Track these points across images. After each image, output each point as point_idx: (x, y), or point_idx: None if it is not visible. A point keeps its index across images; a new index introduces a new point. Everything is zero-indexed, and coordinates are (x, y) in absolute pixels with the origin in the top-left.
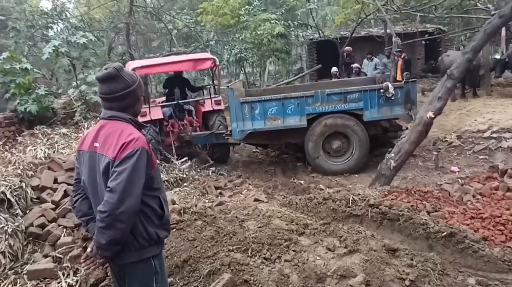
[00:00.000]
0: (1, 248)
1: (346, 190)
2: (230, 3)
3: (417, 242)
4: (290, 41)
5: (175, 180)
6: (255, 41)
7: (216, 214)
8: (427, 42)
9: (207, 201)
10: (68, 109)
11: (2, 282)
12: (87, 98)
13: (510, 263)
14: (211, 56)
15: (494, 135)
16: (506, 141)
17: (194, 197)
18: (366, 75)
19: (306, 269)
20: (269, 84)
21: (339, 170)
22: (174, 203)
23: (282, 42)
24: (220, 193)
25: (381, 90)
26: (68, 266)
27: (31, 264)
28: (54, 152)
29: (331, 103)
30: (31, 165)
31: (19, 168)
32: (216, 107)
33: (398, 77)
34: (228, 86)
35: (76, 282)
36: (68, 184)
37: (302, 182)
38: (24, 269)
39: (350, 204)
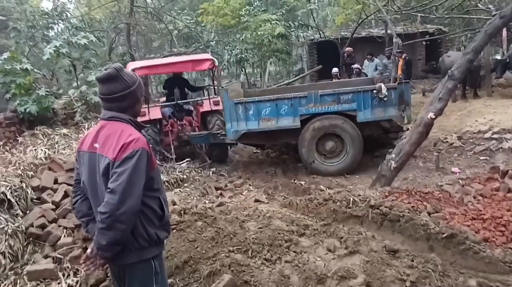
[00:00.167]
0: (1, 249)
1: (347, 190)
2: (231, 3)
3: (417, 243)
4: (290, 41)
5: (175, 180)
6: (256, 41)
7: (216, 215)
8: (428, 42)
9: (207, 201)
10: (69, 110)
11: (2, 282)
12: (87, 98)
13: (511, 265)
14: (210, 57)
15: (495, 136)
16: (507, 142)
17: (195, 198)
18: (366, 76)
19: (307, 270)
20: (270, 85)
21: (337, 170)
22: (174, 203)
23: (283, 42)
24: (221, 194)
25: (374, 91)
26: (68, 267)
27: (31, 264)
28: (54, 152)
29: (324, 104)
30: (32, 165)
31: (19, 168)
32: (214, 108)
33: None
34: (222, 87)
35: (76, 282)
36: (69, 185)
37: (302, 182)
38: (24, 270)
39: (351, 205)
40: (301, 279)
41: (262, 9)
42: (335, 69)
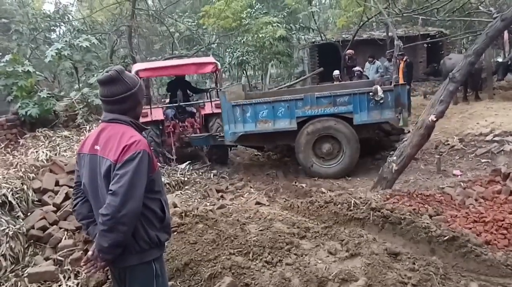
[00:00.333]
0: (2, 251)
1: (348, 193)
2: (232, 6)
3: (419, 246)
4: (292, 44)
5: (176, 183)
6: (257, 44)
7: (217, 217)
8: (429, 45)
9: (208, 204)
10: (70, 112)
11: (3, 284)
12: (89, 101)
13: None
14: (214, 60)
15: (496, 138)
16: (509, 144)
17: (196, 200)
18: (368, 78)
19: (308, 273)
20: (271, 87)
21: (336, 172)
22: (175, 206)
23: (284, 45)
24: (222, 196)
25: (371, 94)
26: (69, 269)
27: (32, 266)
28: (55, 154)
29: (321, 106)
30: (33, 167)
31: (20, 170)
32: (215, 110)
33: (400, 81)
34: (220, 89)
35: (77, 285)
36: (70, 187)
37: (303, 185)
38: (25, 272)
39: (352, 208)
40: (302, 282)
41: (264, 11)
42: (336, 72)
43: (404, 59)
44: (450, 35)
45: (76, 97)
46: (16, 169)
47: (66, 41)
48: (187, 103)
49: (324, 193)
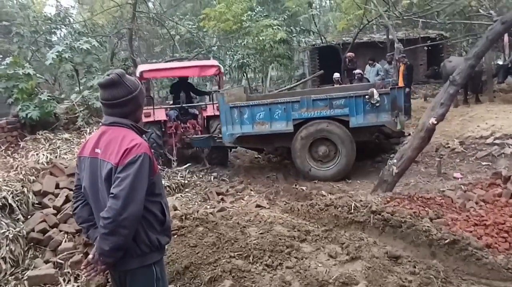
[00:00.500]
0: (2, 254)
1: (348, 196)
2: (233, 9)
3: (419, 249)
4: (292, 47)
5: (176, 185)
6: (258, 47)
7: (217, 220)
8: (429, 48)
9: (208, 207)
10: (71, 115)
11: None
12: (89, 103)
13: None
14: (216, 63)
15: (497, 141)
16: (509, 147)
17: (196, 203)
18: (368, 81)
19: (308, 276)
20: (271, 89)
21: (334, 174)
22: (175, 208)
23: (284, 48)
24: (222, 199)
25: (366, 97)
26: (69, 272)
27: (32, 269)
28: (56, 157)
29: (317, 109)
30: (33, 170)
31: (21, 173)
32: (217, 113)
33: (400, 83)
34: (218, 91)
35: None
36: (70, 190)
37: (304, 188)
38: (25, 275)
39: (352, 211)
40: (302, 285)
41: (264, 14)
42: (336, 75)
43: (404, 62)
44: (450, 38)
45: (76, 100)
46: (16, 172)
47: (66, 43)
48: (189, 105)
49: (325, 196)
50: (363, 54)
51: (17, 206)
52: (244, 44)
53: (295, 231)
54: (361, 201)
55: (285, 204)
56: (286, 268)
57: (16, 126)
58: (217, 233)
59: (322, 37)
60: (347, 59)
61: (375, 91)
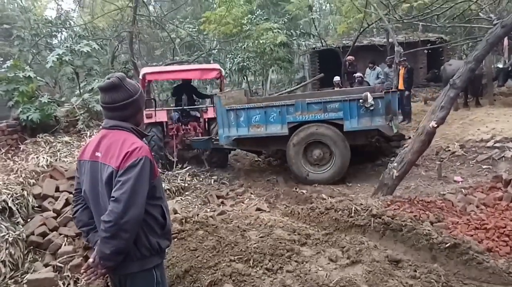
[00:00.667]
0: (2, 257)
1: (349, 199)
2: (233, 12)
3: (420, 253)
4: (292, 50)
5: (176, 188)
6: (258, 50)
7: (217, 224)
8: (429, 51)
9: (208, 210)
10: (71, 118)
11: None
12: (90, 106)
13: None
14: (218, 67)
15: (497, 145)
16: (510, 151)
17: (196, 206)
18: (369, 84)
19: (308, 280)
20: (272, 93)
21: (331, 175)
22: (175, 212)
23: (285, 51)
24: (222, 202)
25: (360, 101)
26: (68, 276)
27: (32, 273)
28: (56, 160)
29: (311, 112)
30: (33, 173)
31: (21, 176)
32: None
33: (400, 87)
34: (215, 94)
35: None
36: (70, 193)
37: (304, 191)
38: (25, 278)
39: (353, 214)
40: None
41: (264, 18)
42: (337, 78)
43: (405, 66)
44: (450, 41)
45: (77, 103)
46: (16, 175)
47: (67, 46)
48: (191, 107)
49: (325, 199)
50: (363, 58)
51: (17, 209)
52: (244, 47)
53: (295, 235)
54: (361, 204)
55: (285, 208)
56: (286, 272)
57: (16, 129)
58: (217, 237)
59: (322, 41)
60: (347, 63)
61: (369, 95)
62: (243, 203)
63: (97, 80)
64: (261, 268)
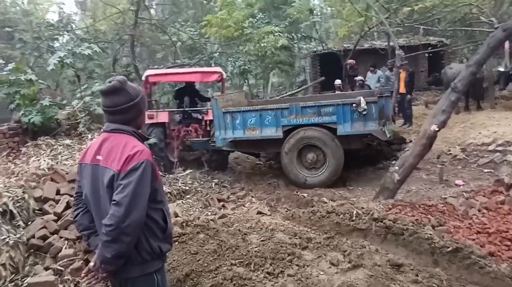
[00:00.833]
0: (2, 260)
1: (350, 203)
2: (234, 15)
3: (422, 257)
4: (293, 53)
5: (177, 192)
6: (259, 53)
7: (218, 227)
8: (430, 55)
9: (209, 213)
10: (72, 121)
11: None
12: (91, 109)
13: None
14: (219, 70)
15: (499, 148)
16: (511, 154)
17: (197, 210)
18: (370, 88)
19: (310, 285)
20: (273, 96)
21: (328, 176)
22: (176, 215)
23: (286, 54)
24: (223, 206)
25: (353, 105)
26: (69, 279)
27: (32, 276)
28: (57, 163)
29: (306, 116)
30: (34, 176)
31: (22, 179)
32: None
33: (402, 90)
34: (212, 96)
35: None
36: (71, 196)
37: (305, 194)
38: (25, 282)
39: (354, 218)
40: None
41: (265, 21)
42: (337, 81)
43: (407, 69)
44: (451, 45)
45: (78, 106)
46: (17, 178)
47: (69, 49)
48: (192, 109)
49: (326, 202)
50: (364, 61)
51: (18, 212)
52: (245, 50)
53: (296, 238)
54: (362, 208)
55: (286, 211)
56: (287, 276)
57: (17, 132)
58: (218, 240)
59: (323, 44)
60: (348, 66)
61: (362, 99)
62: (244, 206)
63: (98, 83)
64: (262, 272)
